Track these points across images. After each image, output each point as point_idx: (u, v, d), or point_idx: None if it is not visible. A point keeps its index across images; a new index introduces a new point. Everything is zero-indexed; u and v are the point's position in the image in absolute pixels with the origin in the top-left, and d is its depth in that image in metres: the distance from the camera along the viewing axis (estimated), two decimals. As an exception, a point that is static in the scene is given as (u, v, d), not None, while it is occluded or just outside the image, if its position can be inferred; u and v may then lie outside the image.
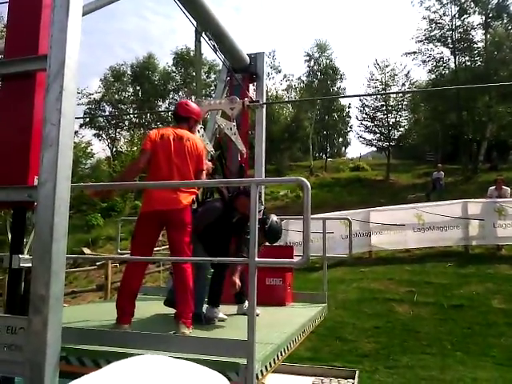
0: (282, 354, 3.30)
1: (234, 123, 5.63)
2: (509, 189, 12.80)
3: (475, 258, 11.62)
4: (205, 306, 4.19)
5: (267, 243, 4.65)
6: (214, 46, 5.57)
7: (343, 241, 11.07)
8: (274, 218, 4.65)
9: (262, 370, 2.75)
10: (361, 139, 30.10)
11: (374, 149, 32.03)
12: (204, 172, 3.97)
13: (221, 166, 5.34)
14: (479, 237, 11.82)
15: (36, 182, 2.47)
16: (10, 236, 2.68)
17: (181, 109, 4.07)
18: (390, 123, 28.27)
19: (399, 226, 12.14)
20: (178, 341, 2.92)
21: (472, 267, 11.04)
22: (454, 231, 11.85)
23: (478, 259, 11.54)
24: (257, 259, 2.64)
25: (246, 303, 3.80)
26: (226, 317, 4.22)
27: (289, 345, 3.54)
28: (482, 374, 6.79)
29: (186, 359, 2.60)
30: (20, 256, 2.55)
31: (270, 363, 2.96)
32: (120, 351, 2.79)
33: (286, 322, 4.17)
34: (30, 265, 2.45)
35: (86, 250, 17.84)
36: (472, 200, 12.43)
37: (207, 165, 4.40)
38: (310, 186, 2.65)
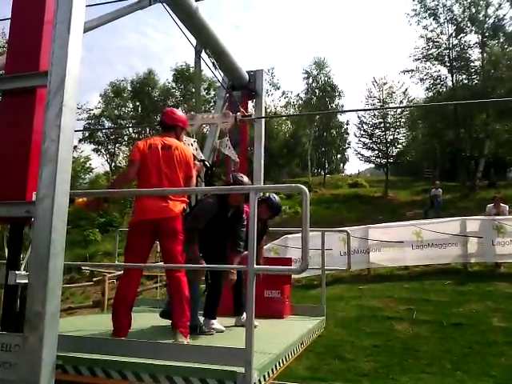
0: (280, 365, 3.26)
1: (227, 137, 5.71)
2: (507, 206, 12.80)
3: (474, 276, 11.56)
4: (201, 318, 4.15)
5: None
6: (213, 63, 5.62)
7: (342, 257, 11.05)
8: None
9: (260, 380, 2.71)
10: (359, 156, 30.30)
11: (372, 165, 32.18)
12: (193, 179, 3.97)
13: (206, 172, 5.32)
14: (478, 254, 11.77)
15: (34, 198, 2.45)
16: (6, 251, 2.66)
17: (167, 117, 4.07)
18: (388, 140, 28.44)
19: (398, 243, 12.11)
20: (175, 349, 2.90)
21: (471, 285, 10.98)
22: (453, 248, 11.81)
23: (476, 277, 11.47)
24: (255, 266, 2.63)
25: (244, 315, 3.77)
26: (223, 328, 4.18)
27: (287, 355, 3.51)
28: (482, 394, 6.71)
29: (184, 368, 2.59)
30: (16, 272, 2.53)
31: (268, 373, 2.92)
32: (117, 360, 2.77)
33: (284, 334, 4.15)
34: (26, 281, 2.43)
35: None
36: (471, 217, 12.41)
37: (196, 166, 4.39)
38: (308, 192, 2.65)
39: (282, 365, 3.31)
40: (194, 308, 3.93)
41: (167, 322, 4.01)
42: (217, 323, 4.19)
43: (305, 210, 2.62)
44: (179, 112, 4.24)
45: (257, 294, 2.63)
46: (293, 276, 7.89)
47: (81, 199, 4.03)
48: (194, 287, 4.05)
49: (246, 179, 4.35)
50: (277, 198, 4.85)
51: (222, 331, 4.14)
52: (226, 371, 2.57)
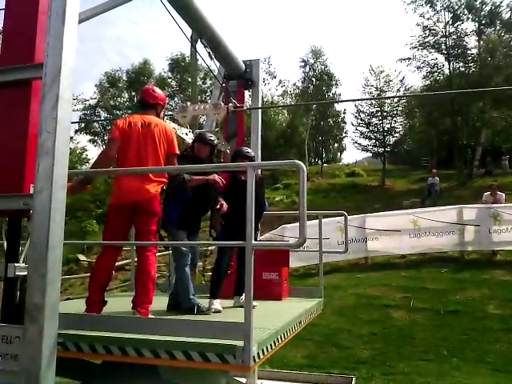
0: (279, 341, 3.29)
1: (217, 128, 5.76)
2: (503, 194, 12.87)
3: (471, 264, 11.64)
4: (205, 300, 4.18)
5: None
6: (209, 53, 5.60)
7: (339, 247, 11.09)
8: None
9: (258, 353, 2.74)
10: (356, 145, 30.25)
11: (370, 154, 32.16)
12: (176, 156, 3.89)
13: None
14: (475, 242, 11.85)
15: (32, 190, 2.46)
16: (5, 244, 2.66)
17: (148, 95, 4.01)
18: (385, 129, 28.41)
19: (395, 232, 12.17)
20: (175, 325, 2.94)
21: (467, 273, 11.06)
22: (450, 237, 11.88)
23: (473, 265, 11.56)
24: (253, 242, 2.65)
25: (243, 296, 3.81)
26: (220, 308, 4.21)
27: (286, 332, 3.54)
28: (478, 380, 6.79)
29: (184, 342, 2.61)
30: (15, 264, 2.54)
31: (267, 347, 2.95)
32: (118, 336, 2.81)
33: (282, 313, 4.19)
34: (25, 273, 2.44)
35: (81, 257, 17.77)
36: (467, 206, 12.48)
37: None
38: (305, 168, 2.67)
39: (280, 341, 3.34)
40: (185, 288, 3.96)
41: (165, 302, 4.13)
42: (216, 303, 4.23)
43: (302, 185, 2.63)
44: (159, 90, 4.17)
45: (255, 276, 2.66)
46: (290, 265, 7.93)
47: None
48: (182, 267, 4.04)
49: (213, 137, 4.44)
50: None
51: (219, 311, 4.16)
52: (225, 345, 2.61)
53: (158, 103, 3.99)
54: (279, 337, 3.31)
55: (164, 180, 3.82)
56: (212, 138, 4.41)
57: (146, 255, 3.63)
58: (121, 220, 3.68)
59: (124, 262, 13.00)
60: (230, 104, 5.82)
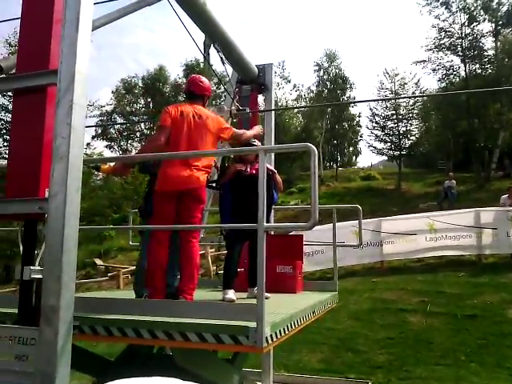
0: (292, 326, 3.29)
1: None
2: (522, 197, 12.66)
3: (488, 267, 11.47)
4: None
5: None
6: (221, 58, 5.63)
7: (354, 251, 11.02)
8: None
9: (271, 335, 2.75)
10: (371, 148, 30.03)
11: (385, 158, 31.91)
12: (234, 135, 3.92)
13: None
14: (492, 246, 11.68)
15: (47, 195, 2.50)
16: (21, 248, 2.71)
17: (195, 86, 3.96)
18: (401, 132, 28.15)
19: (411, 236, 12.05)
20: (188, 307, 2.99)
21: (485, 277, 10.89)
22: (467, 240, 11.73)
23: (491, 268, 11.38)
24: (265, 224, 2.66)
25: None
26: (234, 297, 4.20)
27: (299, 319, 3.54)
28: (497, 386, 6.67)
29: (197, 324, 2.65)
30: (31, 267, 2.58)
31: (280, 330, 2.96)
32: (132, 318, 2.85)
33: (296, 302, 4.20)
34: (40, 276, 2.48)
35: (98, 261, 17.94)
36: (485, 209, 12.31)
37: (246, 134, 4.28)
38: (316, 150, 2.70)
39: (293, 327, 3.34)
40: (172, 273, 3.91)
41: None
42: (230, 293, 4.22)
43: (313, 167, 2.68)
44: (206, 80, 4.10)
45: (269, 270, 2.69)
46: (307, 270, 7.87)
47: (107, 165, 4.02)
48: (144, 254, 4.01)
49: None
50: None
51: (233, 301, 4.13)
52: (238, 326, 2.63)
53: (204, 94, 3.97)
54: (293, 322, 3.32)
55: (209, 170, 3.81)
56: None
57: (191, 241, 3.60)
58: (168, 206, 3.63)
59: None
60: (233, 107, 5.87)
